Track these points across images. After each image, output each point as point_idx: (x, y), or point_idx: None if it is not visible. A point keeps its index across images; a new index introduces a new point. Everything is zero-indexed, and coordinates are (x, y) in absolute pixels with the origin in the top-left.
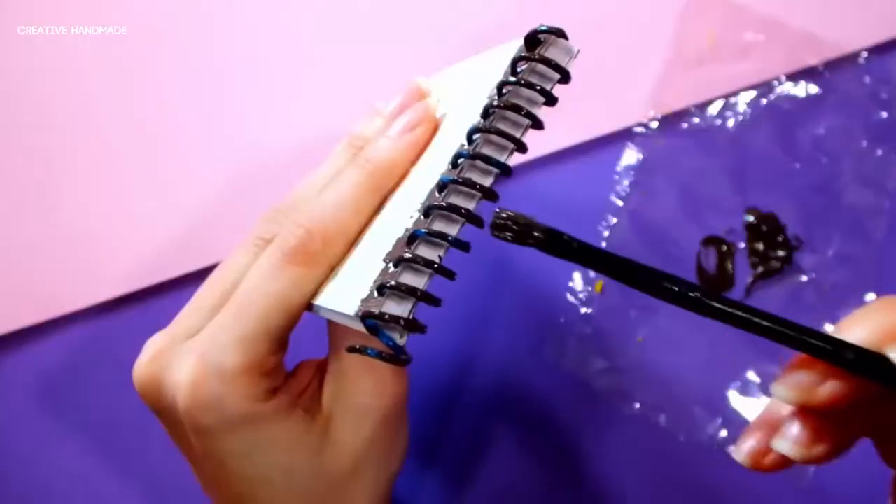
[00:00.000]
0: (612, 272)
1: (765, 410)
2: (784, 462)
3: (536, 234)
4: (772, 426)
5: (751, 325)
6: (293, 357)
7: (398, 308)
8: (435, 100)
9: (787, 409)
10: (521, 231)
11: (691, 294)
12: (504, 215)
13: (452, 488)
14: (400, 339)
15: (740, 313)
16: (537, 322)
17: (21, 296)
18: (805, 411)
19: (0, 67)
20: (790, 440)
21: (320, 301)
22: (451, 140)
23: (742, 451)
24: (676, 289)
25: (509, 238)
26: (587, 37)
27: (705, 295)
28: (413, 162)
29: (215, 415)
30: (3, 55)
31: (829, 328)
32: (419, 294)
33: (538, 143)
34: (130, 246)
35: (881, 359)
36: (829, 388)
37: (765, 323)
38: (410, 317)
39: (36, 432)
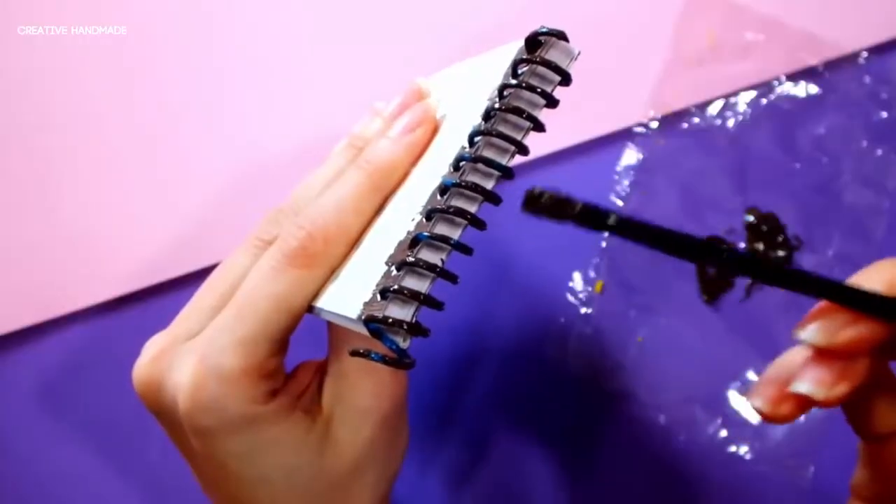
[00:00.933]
0: (650, 242)
1: (773, 367)
2: (801, 407)
3: (574, 210)
4: (785, 377)
5: (783, 280)
6: (293, 358)
7: (401, 312)
8: (435, 101)
9: (799, 361)
10: (558, 208)
11: (726, 256)
12: (538, 192)
13: (452, 488)
14: (403, 343)
15: (773, 271)
16: (537, 322)
17: (21, 296)
18: (823, 356)
19: (0, 67)
20: (811, 381)
21: (321, 303)
22: (451, 142)
23: (760, 398)
24: (716, 253)
25: (545, 216)
26: (587, 37)
27: (738, 256)
28: (413, 163)
29: (215, 416)
30: (3, 55)
31: None
32: (422, 298)
33: (538, 144)
34: (130, 246)
35: None
36: (853, 331)
37: (797, 277)
38: (413, 320)
39: (36, 432)
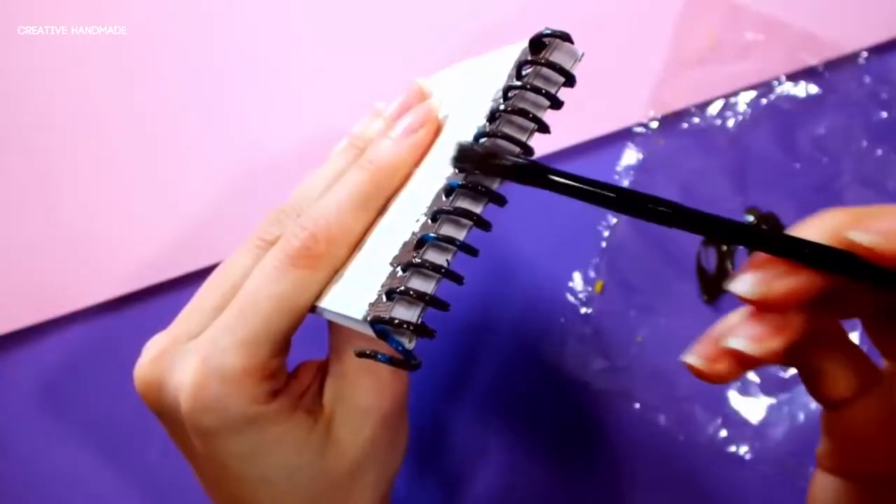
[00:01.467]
0: (589, 198)
1: (714, 326)
2: (738, 365)
3: (501, 163)
4: (724, 336)
5: (712, 230)
6: (294, 358)
7: (407, 313)
8: (437, 101)
9: (738, 320)
10: (484, 160)
11: (664, 209)
12: (467, 146)
13: (452, 488)
14: (409, 344)
15: (701, 221)
16: (537, 322)
17: (21, 296)
18: (759, 312)
19: (0, 67)
20: (744, 336)
21: (325, 303)
22: (455, 143)
23: (695, 356)
24: (658, 207)
25: (470, 168)
26: (587, 37)
27: (671, 206)
28: (416, 164)
29: (217, 416)
30: (3, 55)
31: None
32: (428, 299)
33: (540, 144)
34: (130, 246)
35: (842, 252)
36: (787, 282)
37: (717, 224)
38: (419, 321)
39: (36, 432)
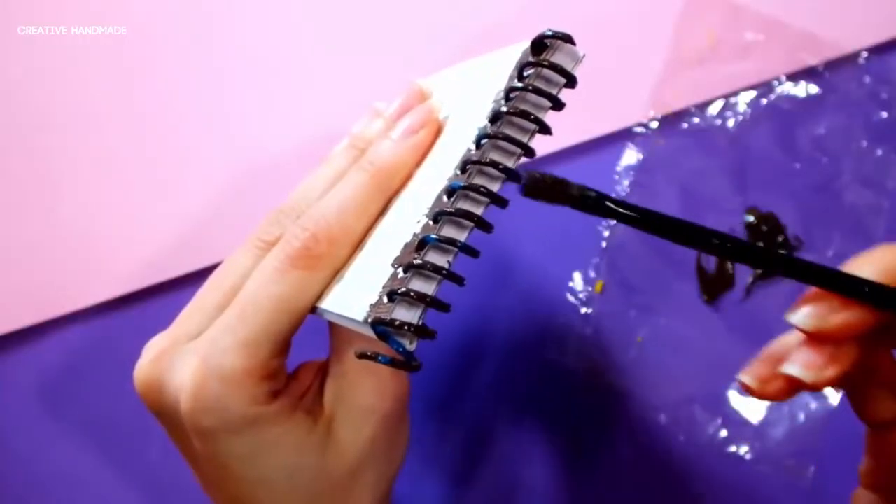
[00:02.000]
0: (647, 227)
1: (771, 347)
2: (789, 388)
3: (570, 192)
4: (778, 358)
5: (772, 264)
6: (294, 358)
7: (408, 314)
8: (438, 102)
9: (793, 343)
10: (554, 190)
11: (719, 241)
12: (537, 176)
13: (452, 488)
14: (410, 346)
15: (767, 258)
16: (537, 322)
17: (21, 296)
18: (815, 340)
19: (0, 67)
20: (800, 364)
21: (326, 304)
22: (455, 143)
23: (750, 376)
24: (716, 240)
25: (542, 198)
26: (587, 37)
27: (738, 245)
28: (417, 164)
29: (217, 417)
30: (3, 55)
31: None
32: (429, 300)
33: (539, 144)
34: (130, 246)
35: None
36: (842, 316)
37: (787, 263)
38: (420, 323)
39: (36, 432)
